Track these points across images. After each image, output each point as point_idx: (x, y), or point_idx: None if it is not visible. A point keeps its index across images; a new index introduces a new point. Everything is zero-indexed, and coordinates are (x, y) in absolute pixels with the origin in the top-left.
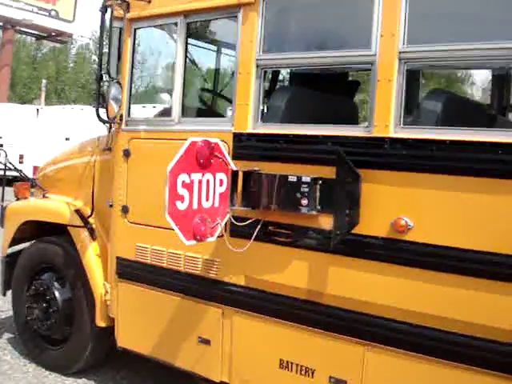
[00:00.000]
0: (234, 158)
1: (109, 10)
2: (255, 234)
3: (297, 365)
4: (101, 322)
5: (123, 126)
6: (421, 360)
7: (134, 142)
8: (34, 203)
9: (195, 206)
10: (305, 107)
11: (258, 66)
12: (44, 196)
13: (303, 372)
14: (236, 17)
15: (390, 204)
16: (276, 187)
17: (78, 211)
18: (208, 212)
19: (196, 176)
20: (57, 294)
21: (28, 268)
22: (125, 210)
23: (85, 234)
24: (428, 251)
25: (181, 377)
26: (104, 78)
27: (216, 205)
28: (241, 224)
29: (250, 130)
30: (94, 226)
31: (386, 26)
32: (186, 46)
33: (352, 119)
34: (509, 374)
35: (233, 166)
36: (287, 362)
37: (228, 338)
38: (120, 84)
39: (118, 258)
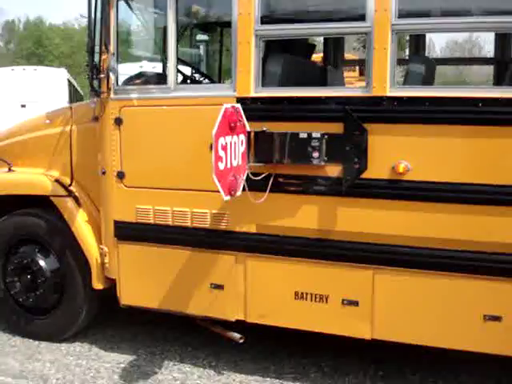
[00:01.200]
0: None
1: None
2: (269, 185)
3: (311, 294)
4: (98, 285)
5: (112, 95)
6: (420, 274)
7: (126, 109)
8: (4, 177)
9: (229, 165)
10: (294, 71)
11: (257, 36)
12: (10, 169)
13: (318, 299)
14: None
15: (390, 151)
16: (288, 143)
17: (58, 181)
18: (235, 170)
19: (228, 138)
20: (43, 264)
21: (2, 243)
22: (120, 175)
23: (71, 202)
24: (424, 187)
25: (169, 329)
26: (96, 50)
27: (240, 163)
28: (256, 178)
29: (252, 94)
30: (77, 194)
31: (379, 2)
32: (177, 16)
33: (324, 79)
34: (488, 275)
35: (248, 127)
36: (302, 292)
37: (242, 280)
38: (114, 55)
39: (116, 221)
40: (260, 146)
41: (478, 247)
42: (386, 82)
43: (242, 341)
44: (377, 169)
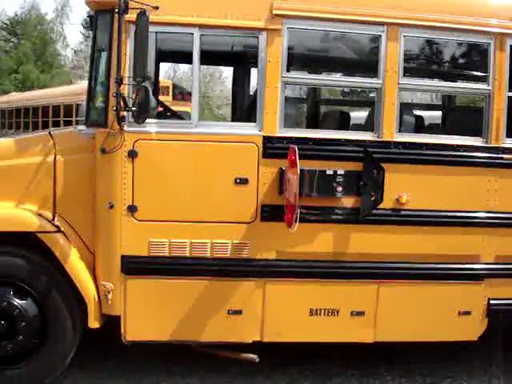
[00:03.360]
0: (265, 156)
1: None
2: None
3: (324, 309)
4: (95, 324)
5: (126, 128)
6: (415, 284)
7: (141, 142)
8: None
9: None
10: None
11: (283, 82)
12: None
13: (330, 313)
14: (257, 37)
15: (395, 185)
16: (316, 179)
17: (42, 216)
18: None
19: (290, 175)
20: (23, 307)
21: None
22: (132, 209)
23: (62, 239)
24: (419, 214)
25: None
26: (124, 81)
27: (292, 200)
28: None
29: (278, 133)
30: (63, 229)
31: (389, 66)
32: (201, 55)
33: None
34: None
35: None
36: (316, 309)
37: (260, 303)
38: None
39: (124, 256)
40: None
41: (458, 259)
42: (394, 129)
43: (257, 360)
44: (385, 200)
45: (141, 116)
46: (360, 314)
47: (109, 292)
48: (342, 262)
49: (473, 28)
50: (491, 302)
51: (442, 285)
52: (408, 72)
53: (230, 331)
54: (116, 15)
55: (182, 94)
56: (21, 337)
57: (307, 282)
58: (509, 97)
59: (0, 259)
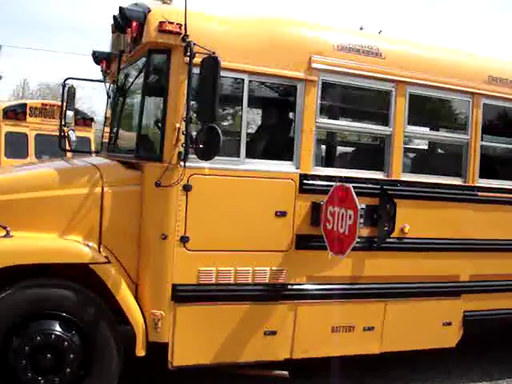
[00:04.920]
0: (301, 191)
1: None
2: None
3: (343, 326)
4: (142, 352)
5: (183, 163)
6: (412, 301)
7: (195, 177)
8: (21, 244)
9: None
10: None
11: (317, 126)
12: (8, 234)
13: (347, 329)
14: (295, 86)
15: (399, 217)
16: None
17: (90, 247)
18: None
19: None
20: (71, 339)
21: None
22: (184, 239)
23: (113, 270)
24: (417, 241)
25: None
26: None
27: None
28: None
29: (312, 171)
30: (110, 259)
31: (398, 116)
32: (249, 99)
33: None
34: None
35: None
36: (336, 326)
37: (292, 324)
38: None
39: (175, 285)
40: (318, 213)
41: (447, 279)
42: (400, 170)
43: (288, 376)
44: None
45: (211, 154)
46: (370, 329)
47: (159, 320)
48: (357, 284)
49: (456, 88)
50: (466, 313)
51: (431, 300)
52: (411, 122)
53: (265, 351)
54: (175, 57)
55: (83, 120)
56: (68, 369)
57: (330, 302)
58: (481, 145)
59: (51, 292)
